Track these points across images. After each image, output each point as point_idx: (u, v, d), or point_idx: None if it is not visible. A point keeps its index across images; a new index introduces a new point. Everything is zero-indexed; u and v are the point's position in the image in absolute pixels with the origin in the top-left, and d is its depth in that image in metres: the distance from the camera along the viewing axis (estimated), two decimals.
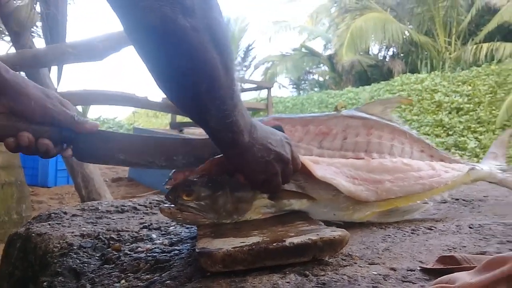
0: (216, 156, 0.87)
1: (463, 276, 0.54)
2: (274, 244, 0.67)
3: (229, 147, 0.75)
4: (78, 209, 1.36)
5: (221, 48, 0.64)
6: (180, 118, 8.57)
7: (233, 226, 0.84)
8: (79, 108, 11.57)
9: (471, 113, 8.97)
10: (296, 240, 0.68)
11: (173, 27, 0.58)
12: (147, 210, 1.36)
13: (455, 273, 0.56)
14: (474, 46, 12.46)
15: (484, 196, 1.30)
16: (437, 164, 1.10)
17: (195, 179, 0.85)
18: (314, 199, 0.91)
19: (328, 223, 0.84)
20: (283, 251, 0.67)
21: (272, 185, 0.83)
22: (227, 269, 0.66)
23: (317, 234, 0.70)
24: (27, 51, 3.56)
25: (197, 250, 0.68)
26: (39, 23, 4.81)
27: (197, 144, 0.89)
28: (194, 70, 0.63)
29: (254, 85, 10.52)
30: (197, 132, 5.51)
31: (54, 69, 4.38)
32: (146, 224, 1.11)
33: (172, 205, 0.84)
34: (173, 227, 1.07)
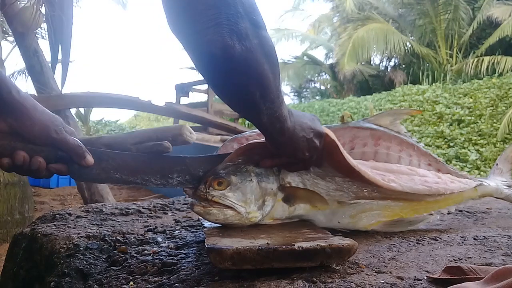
0: (241, 146, 0.90)
1: (471, 286, 0.55)
2: (283, 247, 0.68)
3: (278, 135, 0.82)
4: (82, 211, 1.36)
5: (270, 60, 0.73)
6: (182, 123, 8.57)
7: (240, 230, 0.85)
8: (81, 109, 11.59)
9: (472, 125, 8.97)
10: (305, 244, 0.68)
11: (232, 52, 0.67)
12: (151, 213, 1.37)
13: (463, 283, 0.57)
14: (476, 59, 12.49)
15: (487, 209, 1.30)
16: (444, 175, 1.10)
17: (224, 169, 0.88)
18: (325, 201, 0.93)
19: (333, 231, 0.85)
20: (291, 254, 0.68)
21: (313, 160, 0.89)
22: (235, 267, 0.67)
23: (326, 241, 0.71)
24: None
25: (207, 246, 0.69)
26: (44, 25, 4.82)
27: (192, 162, 0.90)
28: (250, 82, 0.72)
29: None
30: (199, 137, 5.52)
31: (58, 71, 4.39)
32: (151, 227, 1.12)
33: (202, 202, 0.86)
34: (178, 231, 1.08)
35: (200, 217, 1.03)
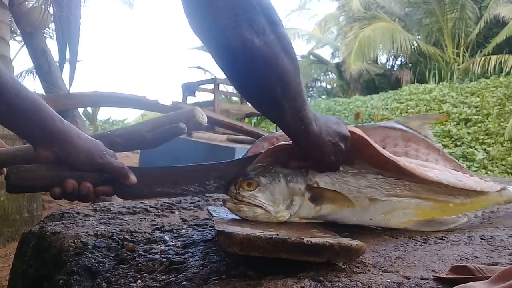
0: (269, 148, 0.93)
1: (478, 286, 0.55)
2: (292, 239, 0.68)
3: (303, 137, 0.83)
4: (90, 210, 1.37)
5: (289, 55, 0.74)
6: None
7: (250, 223, 0.86)
8: (89, 109, 11.66)
9: (479, 124, 8.93)
10: (314, 239, 0.69)
11: (251, 46, 0.69)
12: (158, 212, 1.38)
13: (470, 283, 0.57)
14: (483, 58, 12.44)
15: (495, 208, 1.30)
16: (471, 177, 1.12)
17: (254, 170, 0.91)
18: (349, 202, 0.94)
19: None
20: (300, 247, 0.68)
21: (339, 162, 0.91)
22: (243, 252, 0.67)
23: (335, 239, 0.71)
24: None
25: (218, 229, 0.70)
26: (52, 25, 4.85)
27: (225, 168, 0.93)
28: (270, 77, 0.74)
29: None
30: (206, 136, 5.53)
31: (66, 71, 4.42)
32: (158, 226, 1.12)
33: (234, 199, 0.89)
34: (186, 230, 1.09)
35: (209, 209, 1.05)
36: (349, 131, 0.90)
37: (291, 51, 0.75)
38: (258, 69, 0.72)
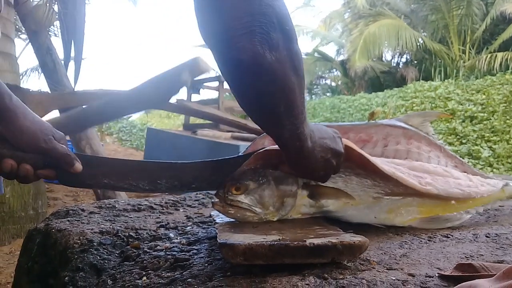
0: (260, 150, 0.92)
1: (483, 283, 0.55)
2: (295, 243, 0.68)
3: (296, 153, 0.81)
4: (95, 207, 1.38)
5: (298, 73, 0.72)
6: (193, 120, 8.61)
7: (252, 226, 0.86)
8: None
9: (485, 122, 8.87)
10: (317, 241, 0.69)
11: (261, 61, 0.66)
12: (163, 209, 1.38)
13: (475, 280, 0.57)
14: (489, 55, 12.36)
15: (500, 206, 1.29)
16: (474, 177, 1.11)
17: (242, 174, 0.90)
18: (352, 199, 0.93)
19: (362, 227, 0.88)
20: (303, 250, 0.68)
21: (328, 176, 0.90)
22: (247, 262, 0.67)
23: (337, 238, 0.71)
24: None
25: (219, 241, 0.70)
26: (56, 23, 4.87)
27: (181, 168, 0.92)
28: (275, 94, 0.71)
29: None
30: (210, 134, 5.54)
31: (71, 68, 4.43)
32: (163, 223, 1.13)
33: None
34: (190, 227, 1.09)
35: (212, 214, 1.05)
36: (345, 146, 0.89)
37: (301, 69, 0.73)
38: (265, 85, 0.69)
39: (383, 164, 0.94)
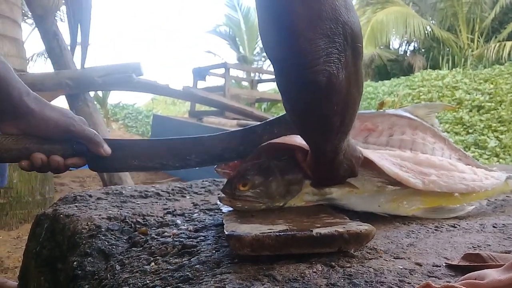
0: (264, 144, 0.92)
1: (491, 273, 0.55)
2: (301, 233, 0.68)
3: (325, 164, 0.83)
4: (102, 193, 1.39)
5: (360, 90, 0.71)
6: (198, 107, 8.61)
7: (258, 215, 0.86)
8: (100, 93, 11.70)
9: (492, 111, 8.82)
10: (323, 231, 0.69)
11: (334, 81, 0.64)
12: (169, 196, 1.39)
13: (483, 270, 0.57)
14: (497, 44, 12.24)
15: (507, 196, 1.29)
16: (478, 170, 1.11)
17: (248, 169, 0.90)
18: (356, 188, 0.93)
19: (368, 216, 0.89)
20: (309, 240, 0.68)
21: (344, 181, 0.91)
22: (254, 253, 0.68)
23: (344, 227, 0.71)
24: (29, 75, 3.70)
25: (226, 233, 0.70)
26: (63, 7, 4.85)
27: (208, 142, 0.92)
28: (338, 111, 0.69)
29: (273, 76, 10.49)
30: (216, 121, 5.54)
31: (77, 53, 4.43)
32: (170, 210, 1.13)
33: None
34: (197, 214, 1.09)
35: (218, 203, 1.06)
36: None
37: (362, 84, 0.72)
38: (329, 103, 0.67)
39: (387, 162, 0.94)
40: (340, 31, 0.62)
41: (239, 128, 0.96)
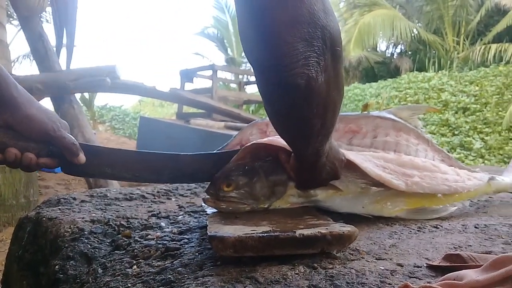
0: (248, 144, 0.92)
1: (470, 274, 0.55)
2: (284, 234, 0.68)
3: (308, 167, 0.84)
4: (87, 195, 1.38)
5: (340, 92, 0.72)
6: (186, 109, 8.58)
7: (242, 216, 0.86)
8: (86, 95, 11.62)
9: (477, 113, 8.93)
10: (306, 232, 0.69)
11: (313, 84, 0.64)
12: (155, 198, 1.38)
13: (462, 271, 0.58)
14: (483, 47, 12.38)
15: (489, 197, 1.30)
16: (461, 171, 1.12)
17: (232, 169, 0.90)
18: (340, 190, 0.94)
19: (351, 217, 0.89)
20: (292, 241, 0.68)
21: (326, 184, 0.92)
22: (237, 254, 0.68)
23: (327, 228, 0.72)
24: None
25: (209, 234, 0.70)
26: (48, 8, 4.81)
27: (184, 160, 0.92)
28: (318, 114, 0.70)
29: None
30: (204, 123, 5.53)
31: (63, 55, 4.39)
32: (154, 213, 1.13)
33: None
34: (182, 216, 1.09)
35: (203, 205, 1.05)
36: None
37: (342, 87, 0.73)
38: (309, 105, 0.68)
39: (371, 164, 0.95)
40: (318, 35, 0.63)
41: (215, 151, 0.97)
